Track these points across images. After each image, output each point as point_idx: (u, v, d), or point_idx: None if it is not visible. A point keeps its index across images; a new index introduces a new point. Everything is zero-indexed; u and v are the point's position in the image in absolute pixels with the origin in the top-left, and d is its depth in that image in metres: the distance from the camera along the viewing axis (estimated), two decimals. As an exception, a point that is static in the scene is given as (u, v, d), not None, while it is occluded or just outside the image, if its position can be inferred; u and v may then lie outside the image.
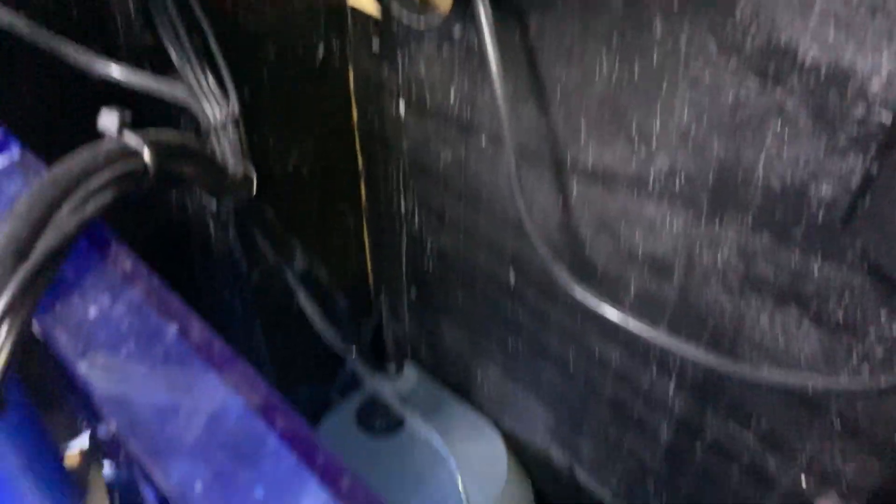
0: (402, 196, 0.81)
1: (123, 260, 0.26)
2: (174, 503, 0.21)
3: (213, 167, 0.39)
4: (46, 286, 0.24)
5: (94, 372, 0.23)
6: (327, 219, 0.82)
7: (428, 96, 0.68)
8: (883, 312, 0.44)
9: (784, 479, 0.56)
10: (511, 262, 0.71)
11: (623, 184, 0.55)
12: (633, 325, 0.52)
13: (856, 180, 0.41)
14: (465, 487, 0.80)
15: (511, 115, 0.54)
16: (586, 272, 0.63)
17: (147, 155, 0.29)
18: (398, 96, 0.71)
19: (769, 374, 0.46)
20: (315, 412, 0.93)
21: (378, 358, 1.01)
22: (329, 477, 0.20)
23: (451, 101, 0.65)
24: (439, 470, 0.83)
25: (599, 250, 0.60)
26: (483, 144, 0.65)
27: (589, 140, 0.55)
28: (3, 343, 0.22)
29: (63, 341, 0.24)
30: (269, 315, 0.81)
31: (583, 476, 0.82)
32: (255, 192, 0.47)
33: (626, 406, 0.68)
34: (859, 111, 0.40)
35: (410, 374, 0.96)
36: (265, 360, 0.85)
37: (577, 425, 0.77)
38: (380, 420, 0.89)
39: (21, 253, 0.24)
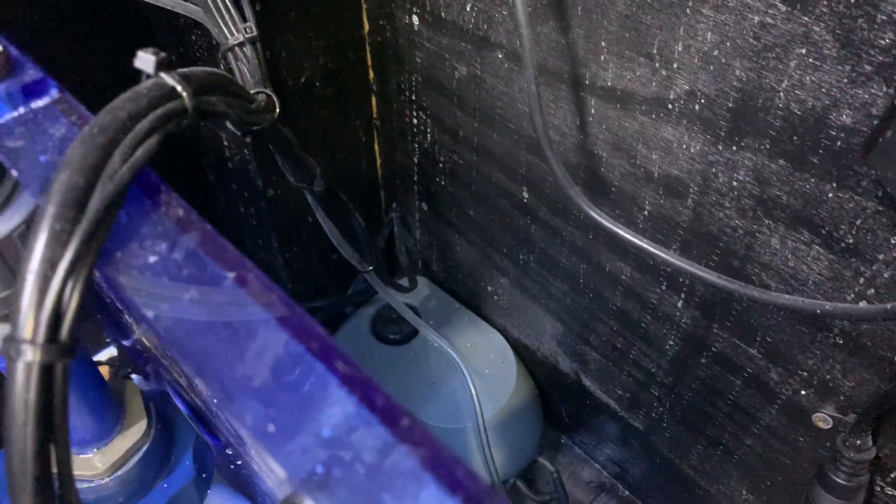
0: (413, 111, 0.80)
1: (175, 206, 0.27)
2: (251, 443, 0.23)
3: (242, 97, 0.39)
4: (106, 237, 0.25)
5: (162, 319, 0.24)
6: (338, 134, 0.82)
7: (442, 10, 0.66)
8: (893, 239, 0.45)
9: (785, 391, 0.59)
10: (524, 179, 0.72)
11: (641, 105, 0.55)
12: (646, 245, 0.53)
13: (877, 109, 0.42)
14: (476, 393, 0.84)
15: (530, 31, 0.53)
16: (601, 191, 0.63)
17: (186, 94, 0.29)
18: (411, 8, 0.70)
19: (778, 297, 0.48)
20: (330, 323, 0.95)
21: (391, 272, 1.03)
22: (389, 418, 0.22)
23: (467, 15, 0.64)
24: (451, 377, 0.86)
25: (614, 170, 0.61)
26: (499, 61, 0.64)
27: (609, 60, 0.55)
28: (71, 297, 0.23)
29: (127, 287, 0.25)
30: (284, 230, 0.82)
31: (589, 383, 0.86)
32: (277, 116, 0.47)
33: (633, 320, 0.71)
34: (887, 38, 0.39)
35: (423, 287, 0.99)
36: (282, 272, 0.87)
37: (584, 336, 0.80)
38: (393, 330, 0.91)
39: (80, 204, 0.24)
